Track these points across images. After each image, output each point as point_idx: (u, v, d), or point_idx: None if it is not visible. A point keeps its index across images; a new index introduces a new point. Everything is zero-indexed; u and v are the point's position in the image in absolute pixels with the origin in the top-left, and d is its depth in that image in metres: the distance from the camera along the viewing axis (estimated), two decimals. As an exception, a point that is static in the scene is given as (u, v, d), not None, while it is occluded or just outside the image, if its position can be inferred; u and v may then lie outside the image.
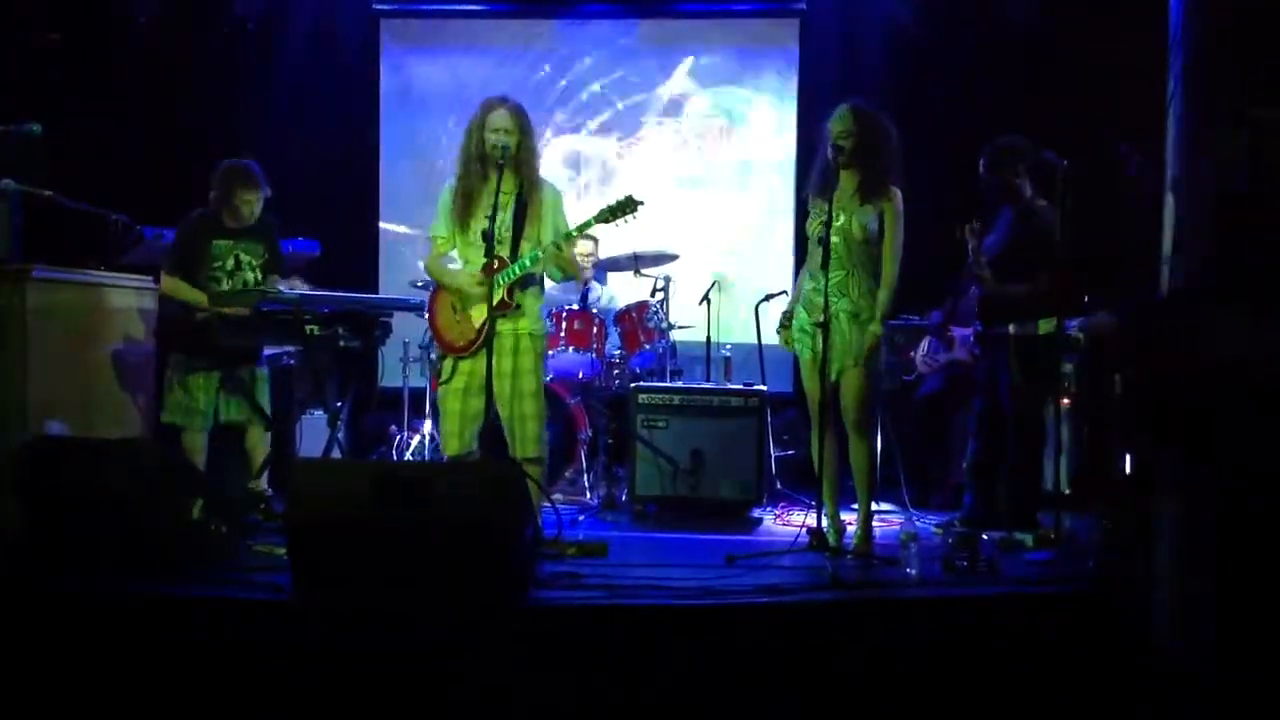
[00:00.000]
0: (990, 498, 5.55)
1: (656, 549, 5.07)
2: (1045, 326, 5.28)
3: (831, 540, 4.93)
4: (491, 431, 4.77)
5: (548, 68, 8.28)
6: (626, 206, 4.85)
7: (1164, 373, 3.69)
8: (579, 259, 6.36)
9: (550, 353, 6.38)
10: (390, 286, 8.00)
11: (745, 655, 3.87)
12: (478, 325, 4.79)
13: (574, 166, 8.30)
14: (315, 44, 8.22)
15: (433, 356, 6.23)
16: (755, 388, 6.11)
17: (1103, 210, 5.00)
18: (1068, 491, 5.63)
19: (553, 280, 5.37)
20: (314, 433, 6.36)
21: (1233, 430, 3.54)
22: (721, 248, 8.03)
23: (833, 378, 4.90)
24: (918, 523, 5.61)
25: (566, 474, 6.46)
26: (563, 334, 6.50)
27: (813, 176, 5.09)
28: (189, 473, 5.04)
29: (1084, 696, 3.91)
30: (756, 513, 6.04)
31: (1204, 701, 3.65)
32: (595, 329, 6.56)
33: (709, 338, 6.83)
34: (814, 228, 4.91)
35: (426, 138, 8.18)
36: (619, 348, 6.74)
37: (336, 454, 5.69)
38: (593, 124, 8.30)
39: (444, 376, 4.91)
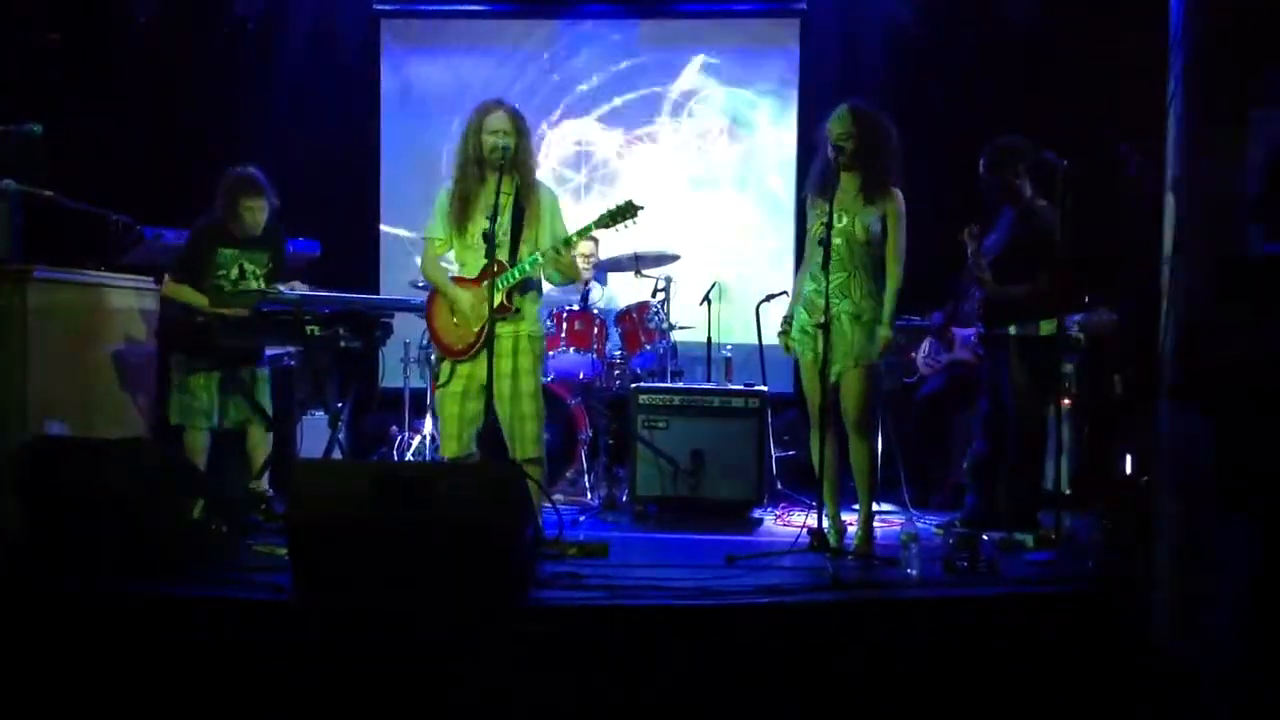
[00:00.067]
0: (992, 498, 5.55)
1: (657, 549, 5.07)
2: (1046, 327, 5.28)
3: (832, 541, 4.93)
4: (490, 433, 4.77)
5: (548, 68, 8.28)
6: (627, 211, 4.84)
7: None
8: (579, 260, 6.36)
9: (551, 353, 6.39)
10: (391, 287, 8.00)
11: (745, 655, 3.87)
12: (477, 330, 4.79)
13: (574, 166, 8.29)
14: (315, 44, 8.21)
15: (432, 358, 6.24)
16: (756, 388, 6.12)
17: (1103, 210, 5.00)
18: (1068, 492, 5.63)
19: (552, 283, 5.37)
20: (315, 433, 6.36)
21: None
22: (722, 248, 8.02)
23: (834, 379, 4.90)
24: (918, 523, 5.61)
25: (567, 474, 6.46)
26: (563, 334, 6.50)
27: (812, 177, 5.08)
28: (189, 473, 5.04)
29: (1084, 696, 3.91)
30: (757, 513, 6.04)
31: (1204, 701, 3.65)
32: (596, 329, 6.56)
33: (710, 338, 6.83)
34: (816, 229, 4.91)
35: (427, 138, 8.17)
36: (620, 348, 6.74)
37: (337, 454, 5.69)
38: (593, 124, 8.30)
39: (441, 379, 4.90)
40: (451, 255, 4.99)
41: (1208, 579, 3.68)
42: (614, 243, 6.80)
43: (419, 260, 5.26)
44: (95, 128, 7.34)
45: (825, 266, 4.76)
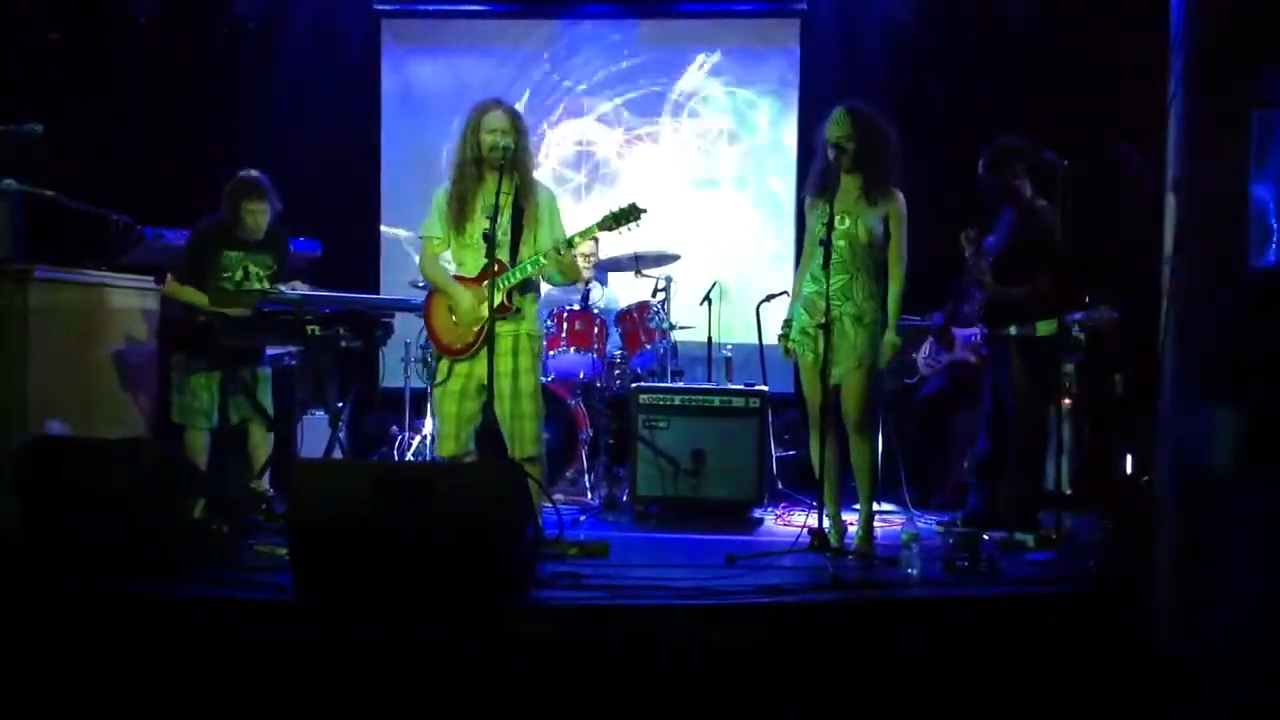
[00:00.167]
0: (995, 498, 5.56)
1: (657, 549, 5.07)
2: (1047, 328, 5.27)
3: (833, 541, 4.93)
4: (489, 433, 4.77)
5: (548, 68, 8.28)
6: (630, 214, 4.84)
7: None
8: (579, 260, 6.37)
9: (551, 353, 6.39)
10: (391, 287, 8.00)
11: (745, 655, 3.87)
12: (476, 329, 4.79)
13: (574, 166, 8.29)
14: (316, 44, 8.21)
15: (429, 358, 6.24)
16: (756, 388, 6.11)
17: (1103, 210, 5.00)
18: (1069, 492, 5.63)
19: (553, 284, 5.37)
20: (315, 433, 6.36)
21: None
22: (722, 248, 8.02)
23: (835, 380, 4.90)
24: (919, 523, 5.61)
25: (568, 474, 6.47)
26: (564, 334, 6.50)
27: (812, 178, 5.08)
28: (190, 472, 5.05)
29: (1084, 696, 3.91)
30: (757, 513, 6.04)
31: (1204, 701, 3.65)
32: (596, 329, 6.56)
33: (710, 338, 6.83)
34: (817, 230, 4.90)
35: (428, 138, 8.16)
36: (620, 348, 6.74)
37: (338, 454, 5.69)
38: (593, 124, 8.29)
39: (440, 378, 4.90)
40: (449, 254, 4.99)
41: (1208, 579, 3.67)
42: (614, 243, 6.79)
43: (417, 260, 5.26)
44: (95, 128, 7.34)
45: (825, 267, 4.76)
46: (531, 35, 8.32)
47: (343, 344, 5.45)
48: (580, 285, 6.81)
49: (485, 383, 4.70)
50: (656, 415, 6.04)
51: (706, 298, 6.84)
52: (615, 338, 6.76)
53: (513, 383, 4.82)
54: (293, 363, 6.29)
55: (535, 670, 3.78)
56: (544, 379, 5.29)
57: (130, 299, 5.67)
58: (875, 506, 5.13)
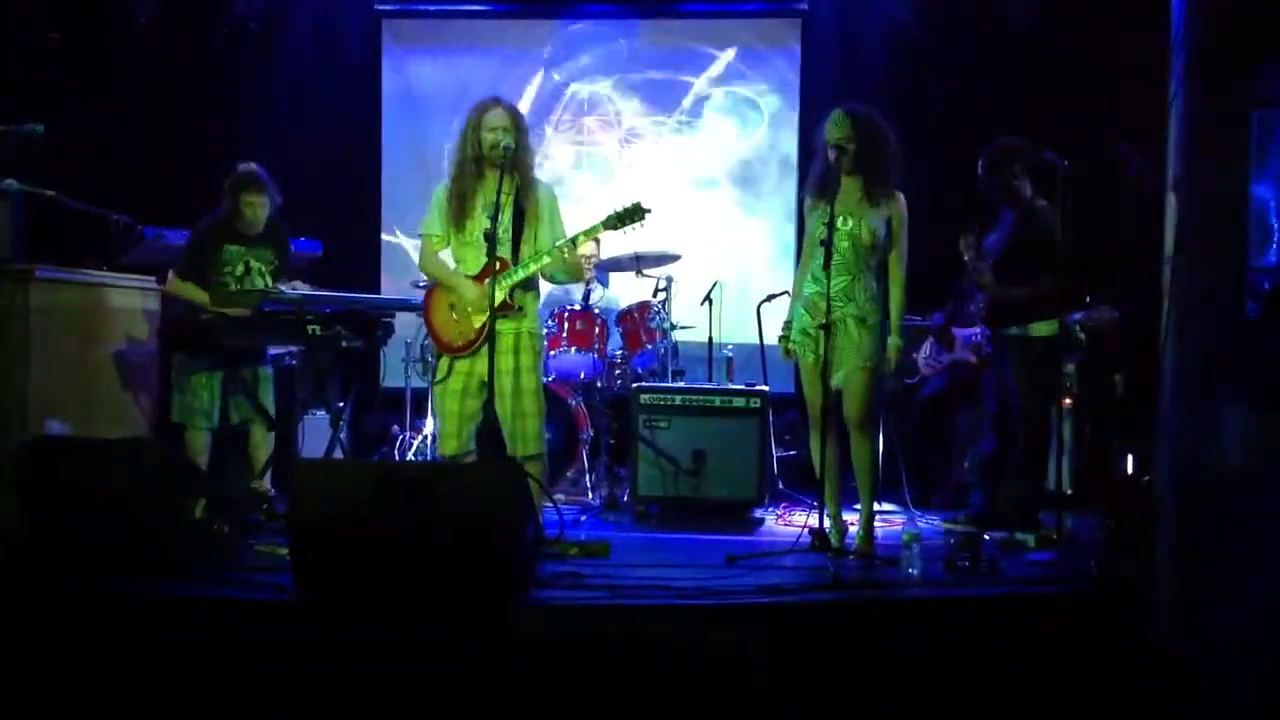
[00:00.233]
0: (998, 498, 5.56)
1: (658, 549, 5.07)
2: (1047, 328, 5.27)
3: (833, 541, 4.93)
4: (490, 431, 4.77)
5: (549, 68, 8.27)
6: (634, 214, 4.84)
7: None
8: (581, 260, 6.37)
9: (552, 353, 6.39)
10: (391, 287, 8.01)
11: (745, 655, 3.87)
12: (478, 325, 4.79)
13: (575, 166, 8.29)
14: (316, 44, 8.20)
15: (429, 356, 6.23)
16: (757, 388, 6.11)
17: (1103, 210, 5.00)
18: (1069, 492, 5.63)
19: (556, 282, 5.36)
20: (316, 433, 6.36)
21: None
22: (723, 248, 8.02)
23: (837, 381, 4.90)
24: (923, 523, 5.61)
25: (568, 474, 6.47)
26: (564, 334, 6.50)
27: (811, 179, 5.08)
28: (190, 472, 5.04)
29: (1084, 696, 3.91)
30: (758, 513, 6.04)
31: (1204, 701, 3.65)
32: (597, 329, 6.56)
33: (711, 338, 6.82)
34: (818, 230, 4.90)
35: (428, 138, 8.17)
36: (621, 348, 6.74)
37: (339, 454, 5.69)
38: (594, 123, 8.29)
39: (439, 375, 4.90)
40: (449, 253, 4.98)
41: (1208, 579, 3.67)
42: (615, 243, 6.79)
43: (417, 259, 5.27)
44: (95, 128, 7.34)
45: (826, 268, 4.76)
46: (532, 35, 8.32)
47: (343, 344, 5.45)
48: (582, 285, 6.82)
49: (486, 380, 4.70)
50: (657, 415, 6.04)
51: (707, 298, 6.84)
52: (616, 337, 6.76)
53: (514, 381, 4.82)
54: (293, 362, 6.30)
55: (535, 670, 3.78)
56: (545, 379, 5.29)
57: (131, 299, 5.67)
58: (876, 506, 5.13)
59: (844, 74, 7.85)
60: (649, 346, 6.64)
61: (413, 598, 3.86)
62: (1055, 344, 5.24)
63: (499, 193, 4.64)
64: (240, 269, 5.60)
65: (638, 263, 6.82)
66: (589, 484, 6.47)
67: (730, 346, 7.08)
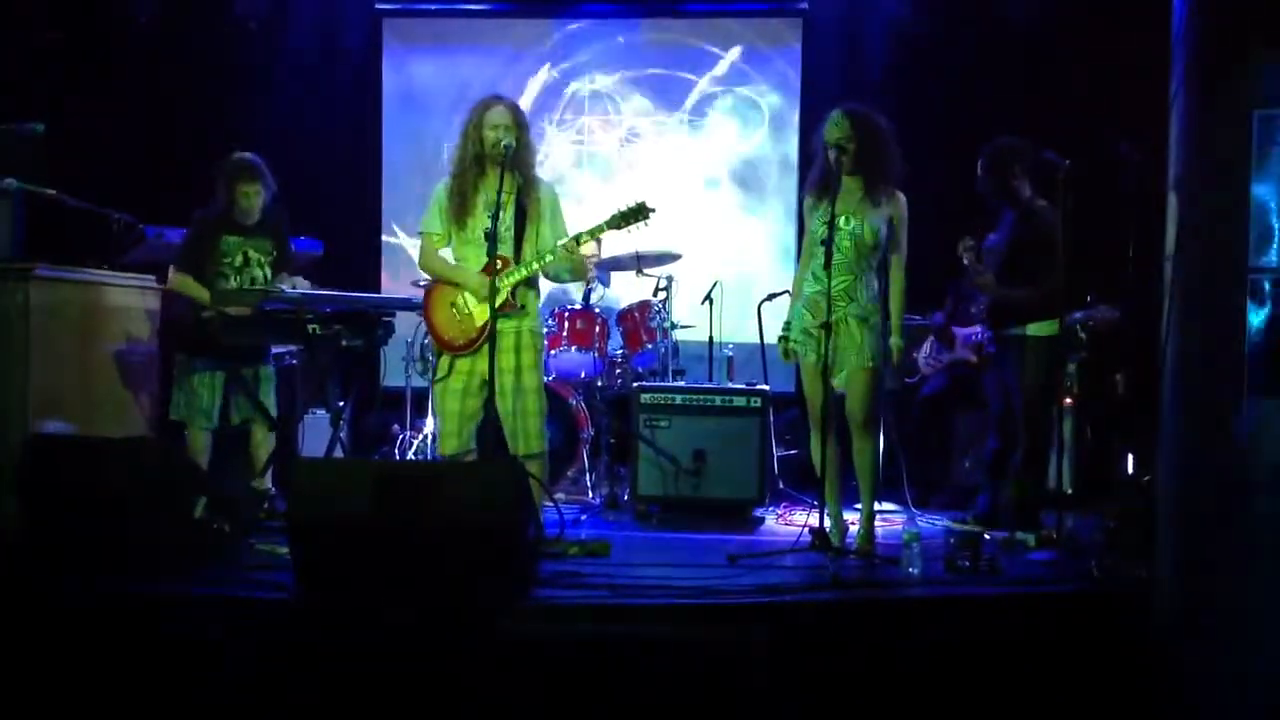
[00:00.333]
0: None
1: (659, 549, 5.07)
2: (1049, 328, 5.27)
3: (834, 540, 4.92)
4: (491, 430, 4.77)
5: (549, 67, 8.28)
6: (638, 213, 4.83)
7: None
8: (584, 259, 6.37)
9: (553, 352, 6.40)
10: (392, 286, 8.00)
11: (745, 655, 3.86)
12: (480, 324, 4.79)
13: (575, 165, 8.29)
14: (317, 43, 8.21)
15: (429, 356, 6.23)
16: (758, 387, 6.11)
17: (1103, 210, 5.00)
18: (1070, 492, 5.63)
19: (560, 282, 5.35)
20: (316, 432, 6.36)
21: None
22: (724, 247, 8.02)
23: (839, 381, 4.90)
24: (923, 522, 5.61)
25: (569, 473, 6.47)
26: (565, 333, 6.50)
27: (811, 179, 5.08)
28: (191, 472, 5.05)
29: (1084, 696, 3.91)
30: (759, 512, 6.04)
31: (1204, 701, 3.65)
32: (597, 328, 6.57)
33: (711, 337, 6.83)
34: (819, 230, 4.90)
35: (429, 137, 8.17)
36: (621, 347, 6.75)
37: (339, 453, 5.69)
38: (595, 123, 8.29)
39: (440, 374, 4.90)
40: (451, 251, 4.98)
41: (1208, 579, 3.67)
42: (616, 242, 6.79)
43: (417, 258, 5.26)
44: (95, 128, 7.34)
45: (827, 268, 4.76)
46: (533, 34, 8.32)
47: (344, 343, 5.45)
48: (583, 284, 6.82)
49: (487, 379, 4.70)
50: (658, 414, 6.04)
51: (708, 297, 6.84)
52: (616, 337, 6.76)
53: (515, 379, 4.82)
54: (294, 362, 6.30)
55: (536, 670, 3.78)
56: (545, 378, 5.29)
57: (131, 298, 5.67)
58: (876, 506, 5.13)
59: (845, 74, 7.85)
60: (649, 346, 6.65)
61: (413, 597, 3.86)
62: (1056, 344, 5.24)
63: (499, 191, 4.64)
64: (239, 259, 5.59)
65: (638, 262, 6.83)
66: (589, 483, 6.47)
67: (731, 346, 7.08)
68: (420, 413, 6.86)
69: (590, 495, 6.40)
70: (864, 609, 4.20)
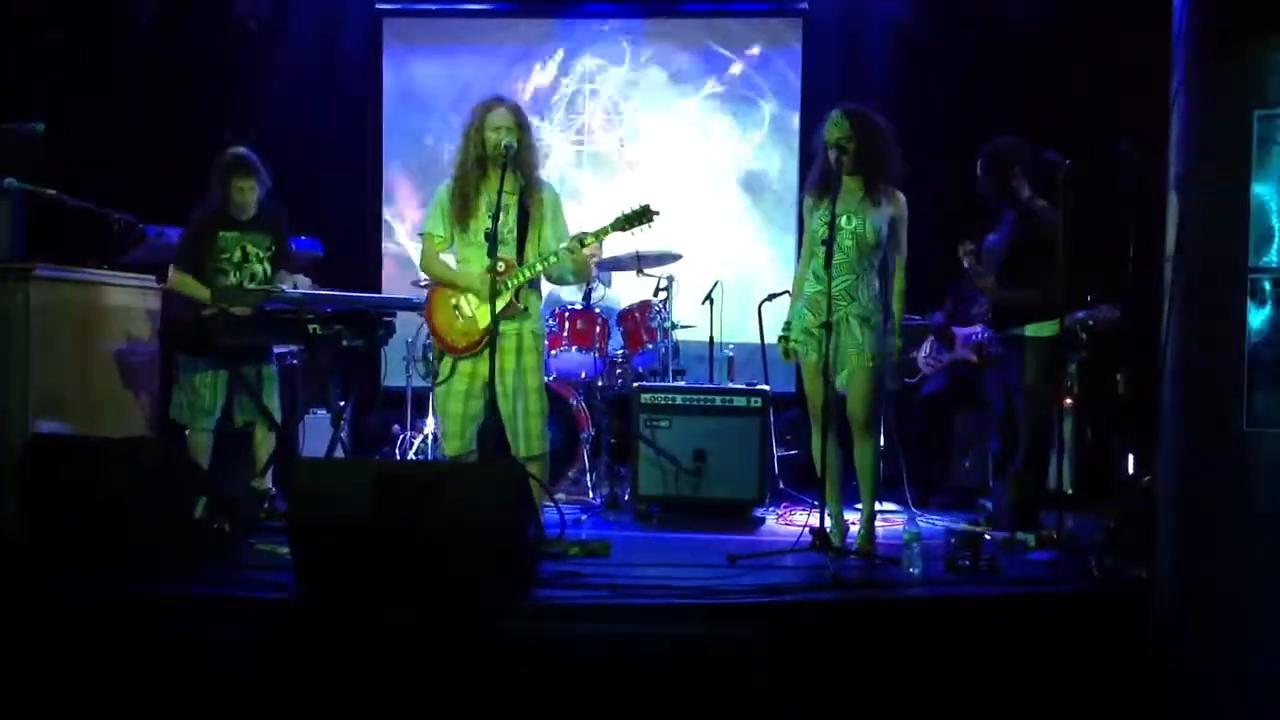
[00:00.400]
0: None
1: (659, 549, 5.07)
2: (1049, 329, 5.27)
3: (834, 540, 4.92)
4: (492, 431, 4.77)
5: (551, 66, 8.28)
6: (643, 216, 4.84)
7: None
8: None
9: (553, 352, 6.40)
10: (392, 287, 8.00)
11: (745, 655, 3.87)
12: (482, 326, 4.79)
13: (576, 165, 8.30)
14: (317, 43, 8.21)
15: (430, 357, 6.23)
16: (758, 387, 6.11)
17: (1103, 210, 5.00)
18: (1070, 492, 5.63)
19: (564, 283, 5.35)
20: (317, 432, 6.36)
21: None
22: (724, 247, 8.03)
23: (840, 380, 4.90)
24: (934, 523, 5.62)
25: (569, 474, 6.47)
26: (565, 334, 6.50)
27: (811, 179, 5.08)
28: (191, 472, 5.04)
29: (1084, 696, 3.91)
30: (759, 513, 6.04)
31: (1204, 701, 3.65)
32: (598, 329, 6.57)
33: (712, 337, 6.83)
34: (820, 230, 4.90)
35: (429, 137, 8.18)
36: (622, 347, 6.75)
37: (340, 453, 5.69)
38: (596, 123, 8.30)
39: (442, 376, 4.90)
40: (453, 252, 4.98)
41: (1208, 579, 3.67)
42: (617, 242, 6.79)
43: (417, 259, 5.26)
44: (95, 128, 7.33)
45: (827, 267, 4.76)
46: (533, 34, 8.32)
47: (344, 343, 5.45)
48: (588, 284, 6.82)
49: (489, 381, 4.70)
50: (658, 414, 6.04)
51: (708, 297, 6.84)
52: (617, 337, 6.77)
53: (517, 380, 4.82)
54: (294, 362, 6.30)
55: (536, 669, 3.78)
56: (546, 378, 5.29)
57: (132, 298, 5.67)
58: (876, 506, 5.13)
59: (844, 74, 7.86)
60: (650, 346, 6.65)
61: (413, 597, 3.86)
62: (1057, 344, 5.24)
63: (500, 192, 4.64)
64: (237, 255, 5.58)
65: (639, 262, 6.83)
66: (590, 483, 6.47)
67: (731, 346, 7.08)
68: (421, 413, 6.86)
69: (590, 495, 6.40)
70: (864, 609, 4.20)
